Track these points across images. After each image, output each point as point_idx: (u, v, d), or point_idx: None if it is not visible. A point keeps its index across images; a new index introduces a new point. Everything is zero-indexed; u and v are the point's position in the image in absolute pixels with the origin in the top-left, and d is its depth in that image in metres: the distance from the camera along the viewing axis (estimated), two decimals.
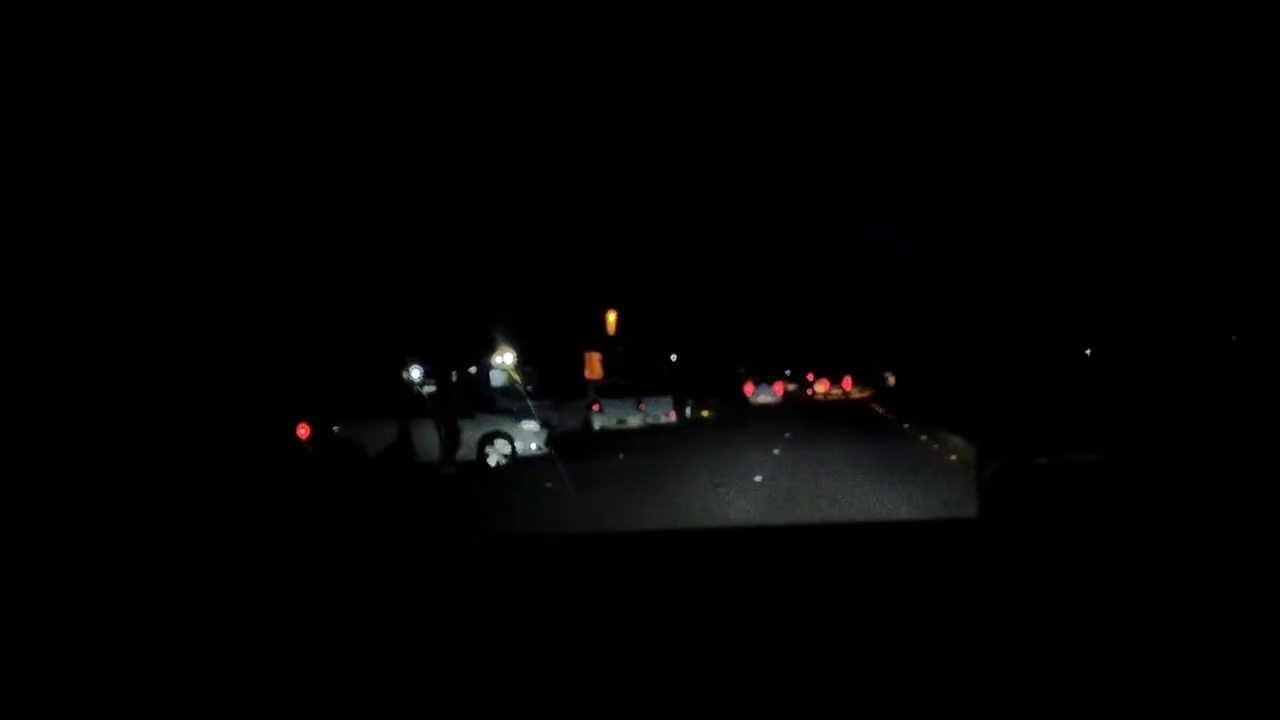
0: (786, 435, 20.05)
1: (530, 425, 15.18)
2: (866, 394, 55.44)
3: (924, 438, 18.09)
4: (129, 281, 14.96)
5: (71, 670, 1.62)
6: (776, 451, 16.04)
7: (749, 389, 43.74)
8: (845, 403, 49.21)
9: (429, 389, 21.22)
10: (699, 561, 2.14)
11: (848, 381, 67.23)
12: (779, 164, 45.93)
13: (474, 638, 1.68)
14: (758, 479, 11.98)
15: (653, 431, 22.89)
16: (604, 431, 22.55)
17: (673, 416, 24.65)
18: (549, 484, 11.92)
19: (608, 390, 24.19)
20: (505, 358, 29.40)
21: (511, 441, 14.99)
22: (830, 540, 2.40)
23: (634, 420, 23.19)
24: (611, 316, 43.71)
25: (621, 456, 16.04)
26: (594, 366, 39.81)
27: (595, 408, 23.12)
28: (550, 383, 25.61)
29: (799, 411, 34.91)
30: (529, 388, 25.93)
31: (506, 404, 18.98)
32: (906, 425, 22.24)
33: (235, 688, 1.58)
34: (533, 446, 14.99)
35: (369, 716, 1.54)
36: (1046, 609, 1.64)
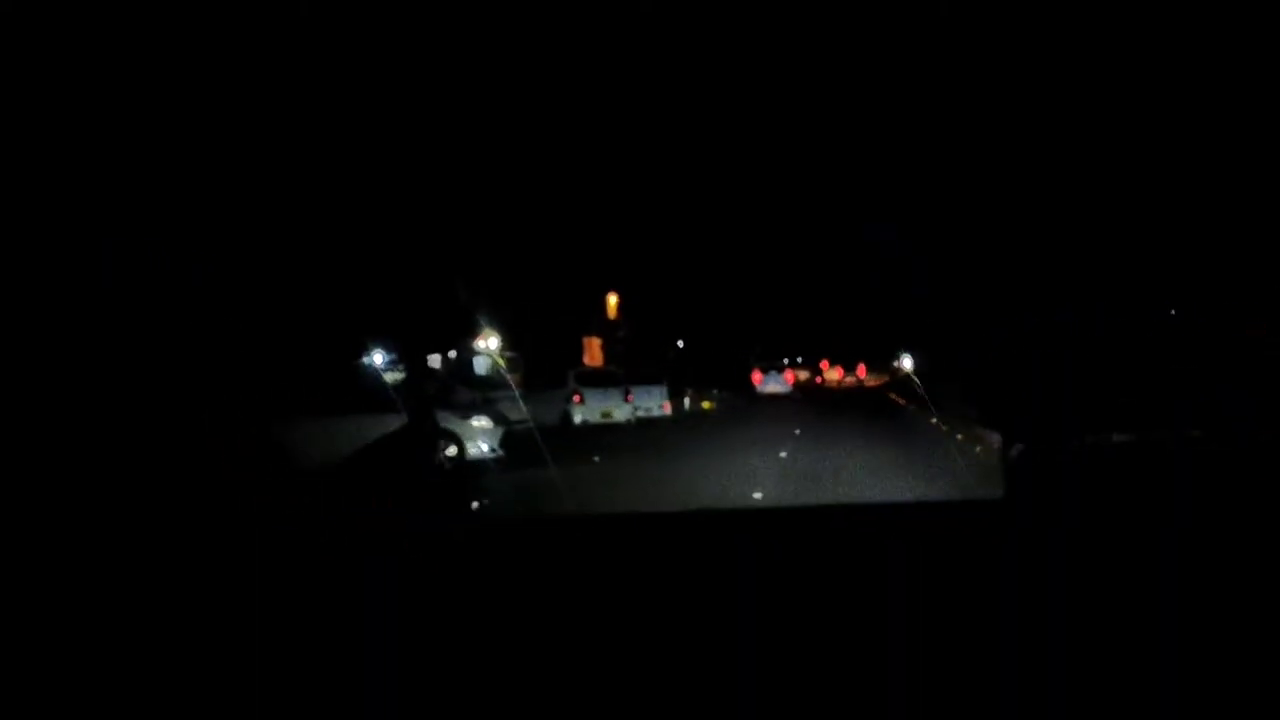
0: (796, 431, 17.28)
1: (481, 422, 12.41)
2: (881, 381, 52.96)
3: (960, 436, 15.24)
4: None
5: (71, 670, 1.63)
6: (783, 454, 13.27)
7: (757, 377, 40.86)
8: (860, 391, 46.99)
9: (393, 376, 18.72)
10: (712, 544, 2.23)
11: (862, 369, 65.06)
12: (786, 149, 43.71)
13: (471, 635, 1.69)
14: (757, 496, 9.19)
15: (643, 426, 20.00)
16: (585, 426, 19.64)
17: (667, 408, 21.67)
18: (477, 503, 9.24)
19: (591, 378, 21.13)
20: (489, 342, 26.87)
21: (459, 442, 12.19)
22: (858, 520, 2.61)
23: (621, 413, 20.21)
24: (612, 300, 41.48)
25: (597, 459, 13.29)
26: (594, 353, 37.48)
27: (576, 399, 20.19)
28: (537, 370, 23.12)
29: (811, 402, 32.43)
30: (514, 375, 23.73)
31: (469, 396, 16.26)
32: (934, 419, 19.40)
33: (236, 685, 1.59)
34: (484, 448, 12.23)
35: (369, 713, 1.54)
36: (1068, 584, 1.75)
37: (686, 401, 25.32)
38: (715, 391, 28.75)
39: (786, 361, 49.99)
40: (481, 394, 17.74)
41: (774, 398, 37.17)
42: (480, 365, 25.03)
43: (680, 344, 43.10)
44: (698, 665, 1.53)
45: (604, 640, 1.63)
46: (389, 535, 3.52)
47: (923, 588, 1.71)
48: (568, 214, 31.67)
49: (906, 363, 49.63)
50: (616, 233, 35.84)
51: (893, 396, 35.16)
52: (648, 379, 21.80)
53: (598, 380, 21.01)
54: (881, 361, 58.63)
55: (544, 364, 23.52)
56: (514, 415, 18.10)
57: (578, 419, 19.80)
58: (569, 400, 20.10)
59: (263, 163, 19.38)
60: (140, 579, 2.04)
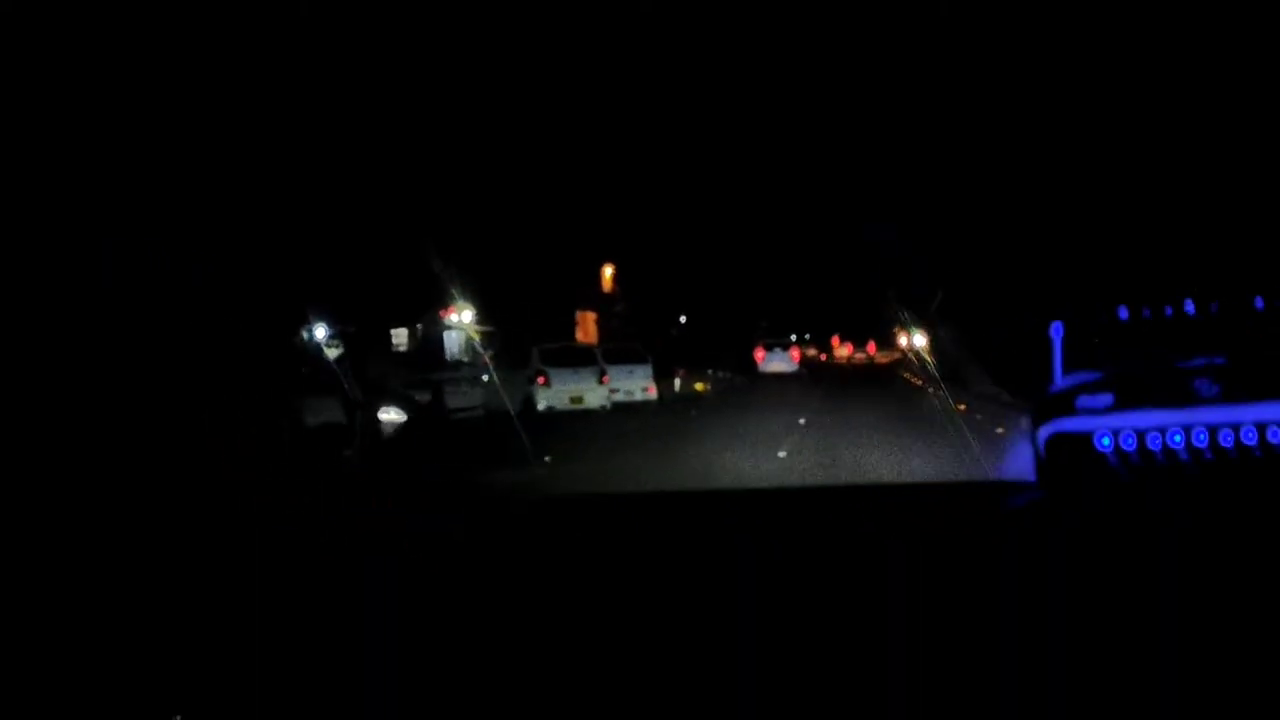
0: (800, 421, 14.53)
1: (390, 415, 9.76)
2: (892, 358, 50.78)
3: (1000, 430, 12.46)
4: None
5: (71, 668, 1.61)
6: (782, 454, 10.54)
7: (759, 354, 38.18)
8: (871, 369, 44.65)
9: (334, 352, 16.14)
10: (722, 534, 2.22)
11: (872, 345, 63.20)
12: (795, 120, 41.93)
13: (471, 634, 1.68)
14: None
15: (620, 413, 17.14)
16: (551, 413, 16.82)
17: (651, 391, 18.70)
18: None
19: (560, 357, 18.16)
20: (462, 315, 24.37)
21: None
22: (892, 499, 2.64)
23: (594, 398, 17.31)
24: (608, 271, 39.22)
25: (547, 460, 10.54)
26: (588, 328, 35.33)
27: (540, 380, 17.33)
28: (521, 347, 20.55)
29: (818, 382, 29.84)
30: (488, 352, 21.13)
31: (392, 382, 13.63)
32: (963, 406, 16.66)
33: (236, 685, 1.57)
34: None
35: (369, 713, 1.53)
36: (1105, 563, 1.78)
37: (677, 383, 22.50)
38: (711, 371, 25.91)
39: (794, 338, 47.67)
40: (432, 375, 15.24)
41: (778, 377, 34.62)
42: (451, 341, 22.53)
43: (683, 320, 40.86)
44: (698, 664, 1.50)
45: (608, 639, 1.58)
46: (389, 535, 3.20)
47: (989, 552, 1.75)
48: (561, 179, 29.22)
49: (918, 340, 47.07)
50: (614, 200, 33.40)
51: (906, 376, 32.81)
52: (629, 358, 18.83)
53: (568, 359, 18.01)
54: (890, 337, 56.53)
55: (534, 341, 21.01)
56: (468, 400, 15.53)
57: (542, 405, 16.93)
58: (532, 382, 17.26)
59: (211, 105, 17.02)
60: (139, 577, 2.00)
